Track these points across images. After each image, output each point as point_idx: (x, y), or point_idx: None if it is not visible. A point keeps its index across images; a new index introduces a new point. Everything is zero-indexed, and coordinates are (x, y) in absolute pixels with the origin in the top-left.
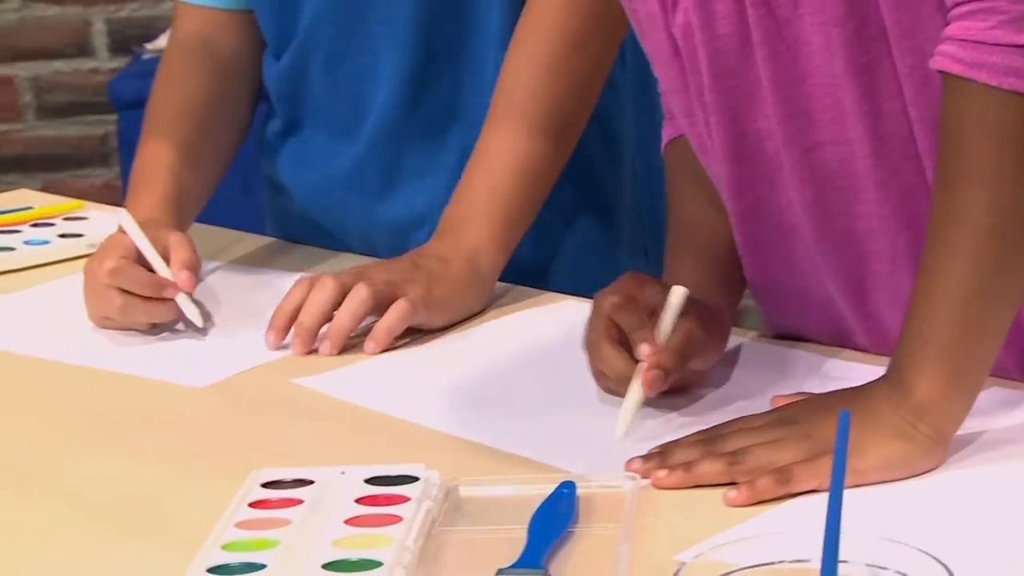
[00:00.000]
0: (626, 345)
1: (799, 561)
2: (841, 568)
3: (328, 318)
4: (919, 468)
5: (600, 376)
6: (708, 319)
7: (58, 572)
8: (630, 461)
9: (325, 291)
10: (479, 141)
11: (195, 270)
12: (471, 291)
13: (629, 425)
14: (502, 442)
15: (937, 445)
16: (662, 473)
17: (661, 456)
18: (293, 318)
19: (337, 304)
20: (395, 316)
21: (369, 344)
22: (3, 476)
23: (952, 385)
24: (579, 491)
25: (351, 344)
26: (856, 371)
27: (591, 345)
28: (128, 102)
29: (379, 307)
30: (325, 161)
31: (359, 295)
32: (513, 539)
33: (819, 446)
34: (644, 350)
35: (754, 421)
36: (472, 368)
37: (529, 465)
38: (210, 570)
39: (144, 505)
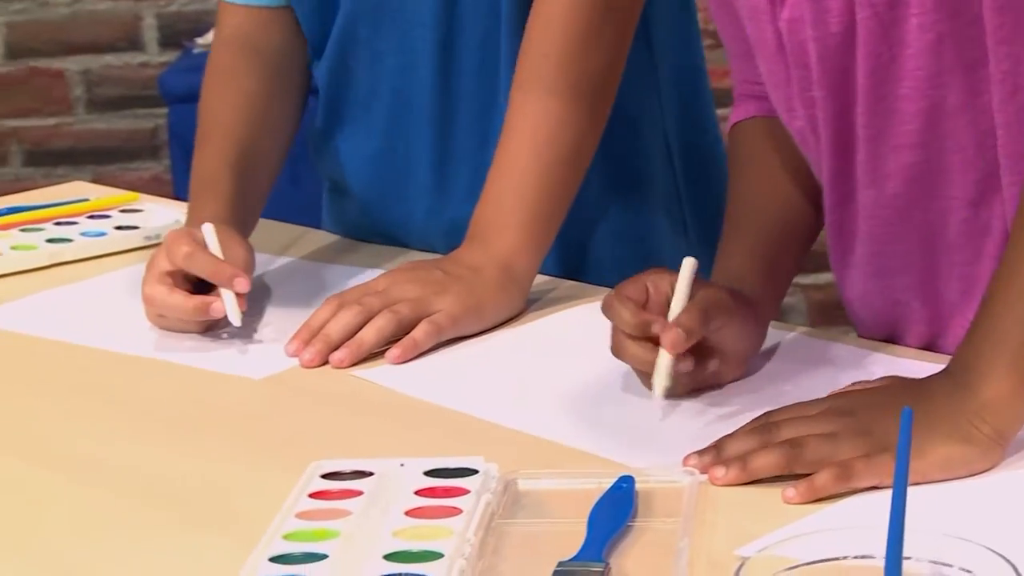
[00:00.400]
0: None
1: (863, 557)
2: (905, 565)
3: (352, 336)
4: (977, 469)
5: (643, 376)
6: (741, 304)
7: (121, 561)
8: (687, 457)
9: (351, 313)
10: (503, 134)
11: (250, 271)
12: (505, 298)
13: (665, 388)
14: (560, 436)
15: (997, 446)
16: (719, 472)
17: (717, 450)
18: (317, 334)
19: (361, 327)
20: (421, 336)
21: (394, 352)
22: (65, 467)
23: (1022, 387)
24: (638, 485)
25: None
26: (902, 366)
27: (616, 350)
28: (178, 96)
29: (406, 330)
30: (374, 159)
31: (384, 321)
32: (572, 532)
33: (878, 442)
34: (657, 328)
35: (809, 409)
36: (529, 362)
37: (587, 459)
38: (272, 559)
39: (205, 495)
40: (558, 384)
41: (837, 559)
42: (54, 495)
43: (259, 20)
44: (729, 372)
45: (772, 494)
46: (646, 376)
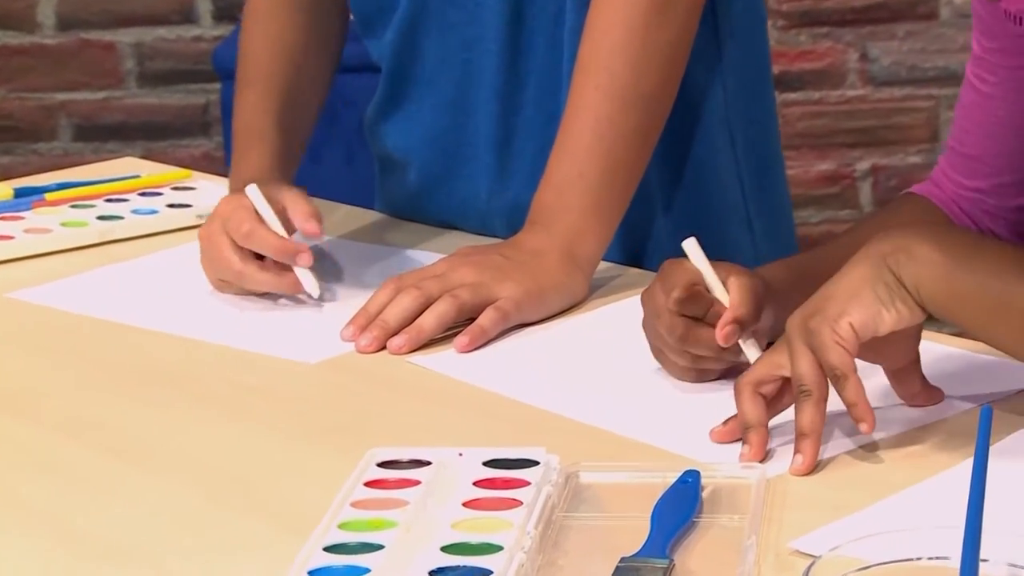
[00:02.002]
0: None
1: (938, 558)
2: (981, 567)
3: (411, 323)
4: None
5: (694, 370)
6: (763, 285)
7: (173, 548)
8: (712, 431)
9: (409, 298)
10: (565, 116)
11: (319, 219)
12: (569, 284)
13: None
14: (623, 428)
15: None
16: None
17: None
18: (374, 319)
19: (420, 312)
20: (488, 323)
21: (462, 339)
22: (117, 451)
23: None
24: (703, 480)
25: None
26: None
27: (682, 338)
28: (232, 71)
29: (466, 316)
30: (437, 137)
31: (444, 306)
32: (636, 527)
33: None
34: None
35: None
36: (591, 351)
37: (651, 452)
38: (327, 549)
39: (258, 482)
40: (621, 374)
41: (911, 560)
42: (107, 480)
43: None
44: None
45: (839, 491)
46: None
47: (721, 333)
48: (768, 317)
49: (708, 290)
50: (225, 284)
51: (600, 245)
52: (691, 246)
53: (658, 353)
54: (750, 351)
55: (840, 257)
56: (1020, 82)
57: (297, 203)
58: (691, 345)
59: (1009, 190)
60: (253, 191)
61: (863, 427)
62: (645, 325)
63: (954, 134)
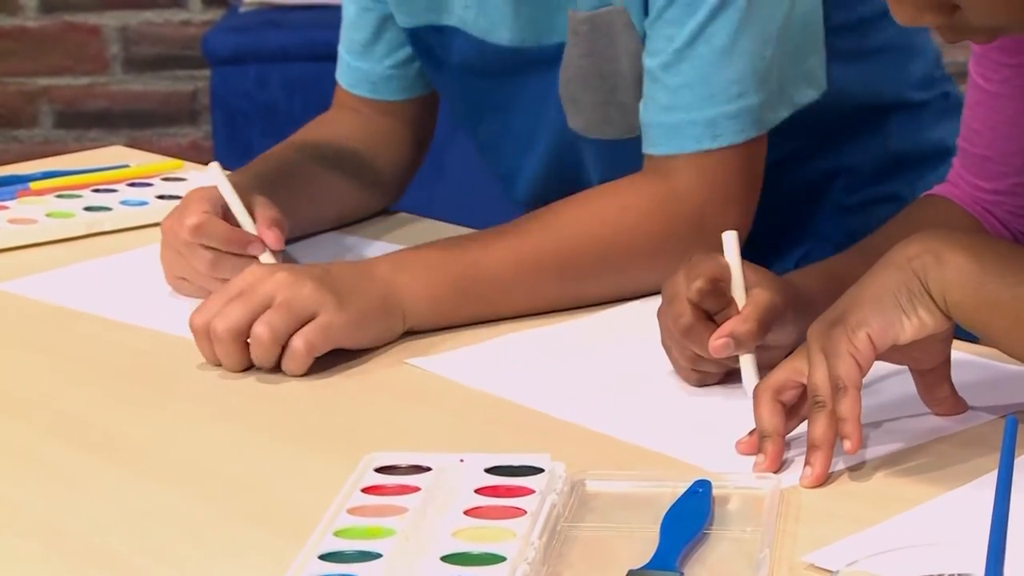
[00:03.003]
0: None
1: (960, 575)
2: None
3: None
4: None
5: (699, 375)
6: (792, 300)
7: (163, 555)
8: (742, 444)
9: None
10: (533, 214)
11: (283, 229)
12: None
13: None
14: (631, 435)
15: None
16: (807, 472)
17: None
18: None
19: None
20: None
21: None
22: (103, 452)
23: None
24: (715, 491)
25: (476, 326)
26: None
27: (685, 329)
28: (222, 57)
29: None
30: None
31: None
32: (644, 538)
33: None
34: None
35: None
36: (597, 355)
37: (660, 460)
38: (322, 557)
39: (251, 486)
40: (629, 379)
41: None
42: (96, 482)
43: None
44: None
45: (853, 503)
46: (698, 361)
47: (713, 343)
48: (791, 330)
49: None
50: (183, 283)
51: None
52: (729, 240)
53: (666, 349)
54: (746, 369)
55: (873, 259)
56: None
57: (265, 209)
58: (692, 340)
59: None
60: (216, 170)
61: (847, 444)
62: (660, 313)
63: (964, 134)
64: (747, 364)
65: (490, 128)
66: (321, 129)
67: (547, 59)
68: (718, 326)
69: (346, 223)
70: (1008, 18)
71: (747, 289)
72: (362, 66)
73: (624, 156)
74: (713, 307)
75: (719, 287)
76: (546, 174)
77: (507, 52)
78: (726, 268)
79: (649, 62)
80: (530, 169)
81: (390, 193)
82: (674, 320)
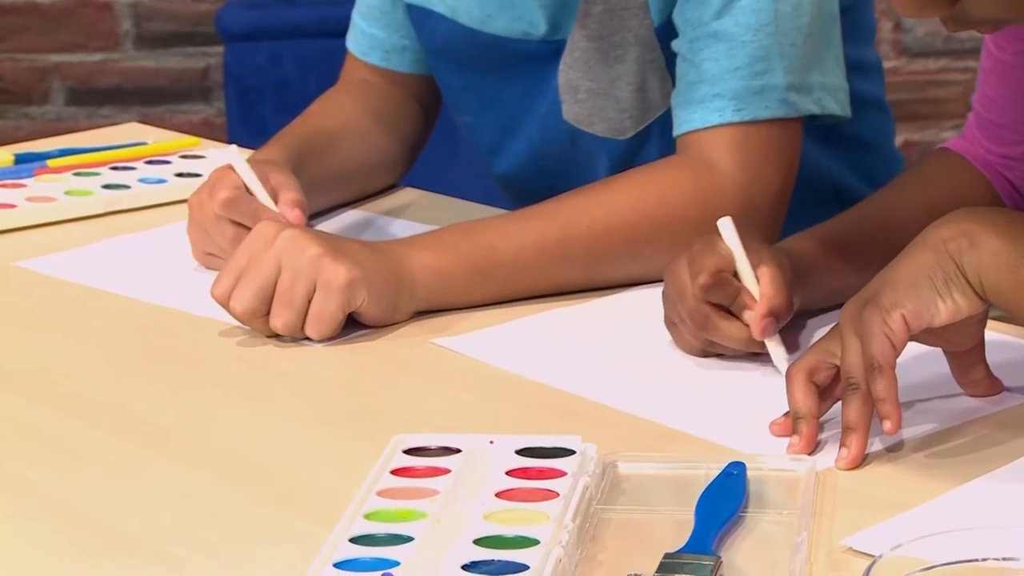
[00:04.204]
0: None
1: (1005, 559)
2: None
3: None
4: None
5: (705, 346)
6: (792, 266)
7: (190, 539)
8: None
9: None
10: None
11: (304, 209)
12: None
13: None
14: (664, 416)
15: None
16: (843, 454)
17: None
18: None
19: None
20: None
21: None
22: (126, 434)
23: None
24: (749, 472)
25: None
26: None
27: (701, 325)
28: (236, 34)
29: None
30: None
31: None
32: (678, 521)
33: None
34: (748, 316)
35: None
36: (627, 335)
37: (693, 442)
38: (353, 540)
39: (278, 468)
40: (660, 358)
41: (976, 561)
42: (119, 465)
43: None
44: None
45: (890, 485)
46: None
47: (758, 327)
48: (795, 300)
49: (736, 276)
50: (212, 258)
51: (428, 288)
52: (726, 226)
53: (671, 325)
54: (775, 349)
55: (872, 225)
56: None
57: (287, 191)
58: (711, 333)
59: None
60: (234, 153)
61: (886, 425)
62: (665, 297)
63: (977, 96)
64: (774, 344)
65: (474, 118)
66: (331, 103)
67: (546, 53)
68: (732, 316)
69: (359, 199)
70: (1009, 10)
71: (755, 269)
72: (377, 33)
73: (615, 155)
74: (723, 299)
75: (723, 278)
76: (532, 168)
77: (500, 43)
78: (727, 256)
79: (677, 44)
80: (513, 155)
81: (400, 167)
82: (690, 318)
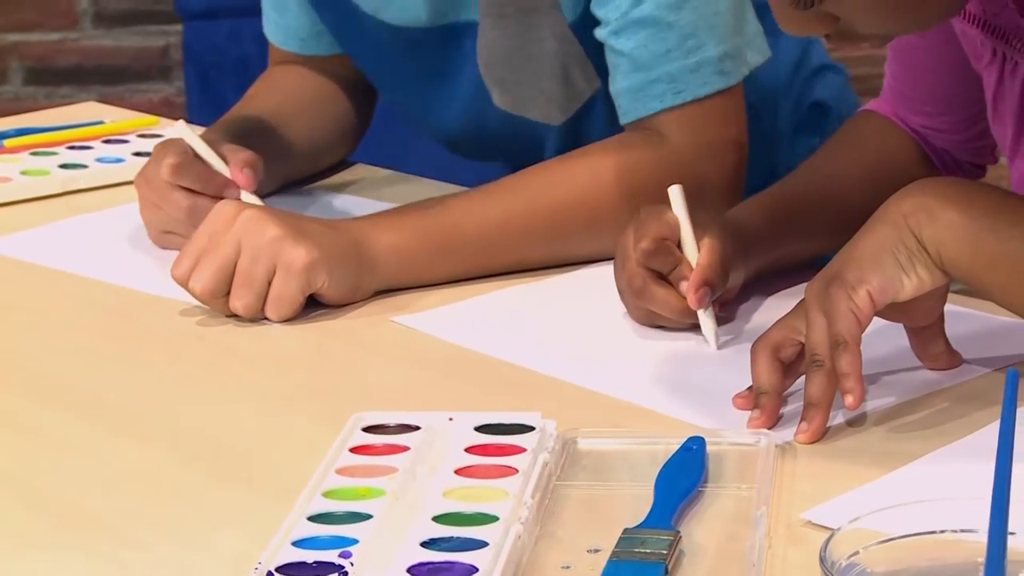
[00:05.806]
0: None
1: (964, 531)
2: (1010, 540)
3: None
4: None
5: (650, 316)
6: (738, 237)
7: (147, 517)
8: (738, 397)
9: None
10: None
11: (257, 170)
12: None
13: (717, 340)
14: (623, 392)
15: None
16: (803, 427)
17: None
18: None
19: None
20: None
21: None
22: (84, 413)
23: None
24: (709, 447)
25: (463, 282)
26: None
27: (638, 291)
28: (195, 12)
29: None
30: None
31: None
32: (637, 496)
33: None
34: (684, 287)
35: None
36: (585, 311)
37: (652, 417)
38: (311, 519)
39: (235, 446)
40: (618, 336)
41: (934, 533)
42: (73, 443)
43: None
44: (727, 299)
45: (854, 460)
46: (655, 316)
47: (693, 296)
48: (739, 272)
49: (679, 245)
50: (169, 237)
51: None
52: (675, 193)
53: (620, 294)
54: (706, 322)
55: (815, 190)
56: (943, 31)
57: (236, 152)
58: (647, 301)
59: (958, 126)
60: (182, 127)
61: (848, 399)
62: (615, 267)
63: (889, 68)
64: (706, 317)
65: (395, 96)
66: (269, 85)
67: (440, 38)
68: (668, 283)
69: (308, 176)
70: (891, 26)
71: (696, 240)
72: (290, 23)
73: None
74: (662, 267)
75: (665, 246)
76: (468, 126)
77: (393, 30)
78: (673, 224)
79: (601, 32)
80: (449, 122)
81: (347, 143)
82: (627, 282)
